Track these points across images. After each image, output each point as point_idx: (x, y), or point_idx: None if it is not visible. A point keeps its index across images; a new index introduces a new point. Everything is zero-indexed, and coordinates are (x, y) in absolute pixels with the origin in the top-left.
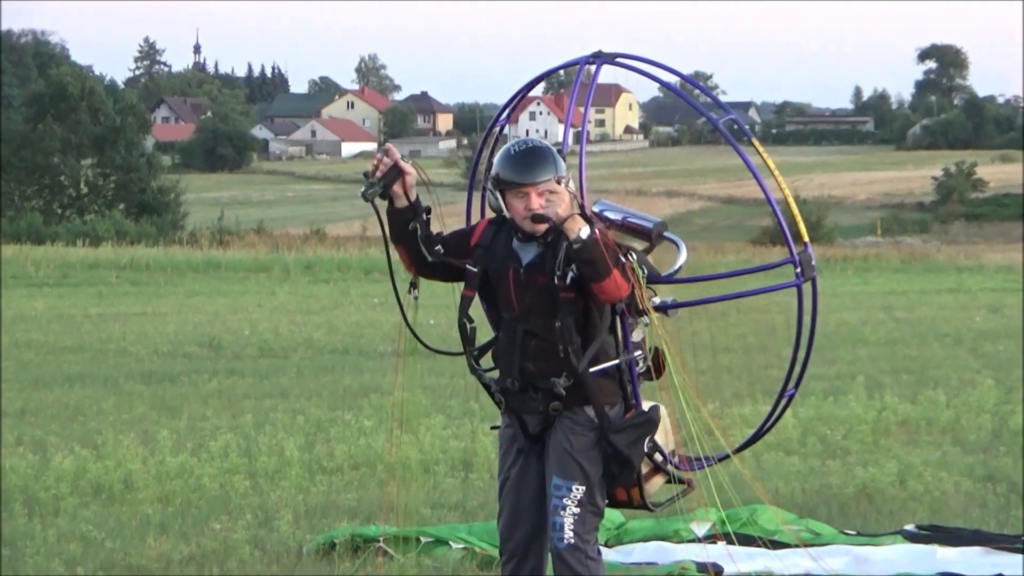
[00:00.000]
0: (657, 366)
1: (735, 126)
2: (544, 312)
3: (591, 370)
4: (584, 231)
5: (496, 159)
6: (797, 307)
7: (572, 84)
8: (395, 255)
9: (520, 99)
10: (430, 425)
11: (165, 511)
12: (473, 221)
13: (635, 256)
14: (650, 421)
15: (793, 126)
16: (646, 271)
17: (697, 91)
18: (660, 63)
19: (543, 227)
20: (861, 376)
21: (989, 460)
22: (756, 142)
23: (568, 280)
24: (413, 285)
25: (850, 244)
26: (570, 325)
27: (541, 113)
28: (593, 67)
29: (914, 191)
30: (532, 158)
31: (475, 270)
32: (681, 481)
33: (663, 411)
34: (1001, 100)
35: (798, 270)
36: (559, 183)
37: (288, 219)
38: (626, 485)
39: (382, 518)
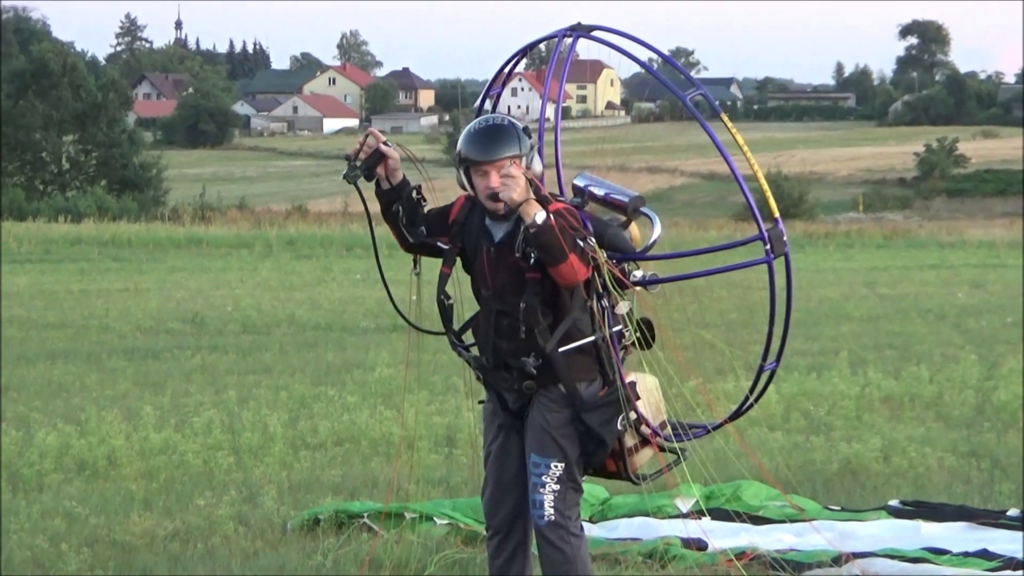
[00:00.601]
0: (646, 337)
1: (704, 102)
2: (515, 291)
3: (563, 348)
4: (539, 216)
5: (461, 136)
6: (769, 283)
7: (551, 59)
8: (385, 231)
9: (509, 73)
10: (413, 401)
11: (149, 487)
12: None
13: (594, 241)
14: (624, 399)
15: (775, 102)
16: (606, 253)
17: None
18: (636, 37)
19: (500, 205)
20: (844, 352)
21: (972, 436)
22: (725, 117)
23: (532, 261)
24: (415, 263)
25: (832, 220)
26: (535, 306)
27: (523, 89)
28: (570, 40)
29: (896, 167)
30: (493, 136)
31: (449, 248)
32: (672, 451)
33: (653, 382)
34: (982, 76)
35: (767, 247)
36: (518, 165)
37: (270, 195)
38: (601, 462)
39: (373, 494)
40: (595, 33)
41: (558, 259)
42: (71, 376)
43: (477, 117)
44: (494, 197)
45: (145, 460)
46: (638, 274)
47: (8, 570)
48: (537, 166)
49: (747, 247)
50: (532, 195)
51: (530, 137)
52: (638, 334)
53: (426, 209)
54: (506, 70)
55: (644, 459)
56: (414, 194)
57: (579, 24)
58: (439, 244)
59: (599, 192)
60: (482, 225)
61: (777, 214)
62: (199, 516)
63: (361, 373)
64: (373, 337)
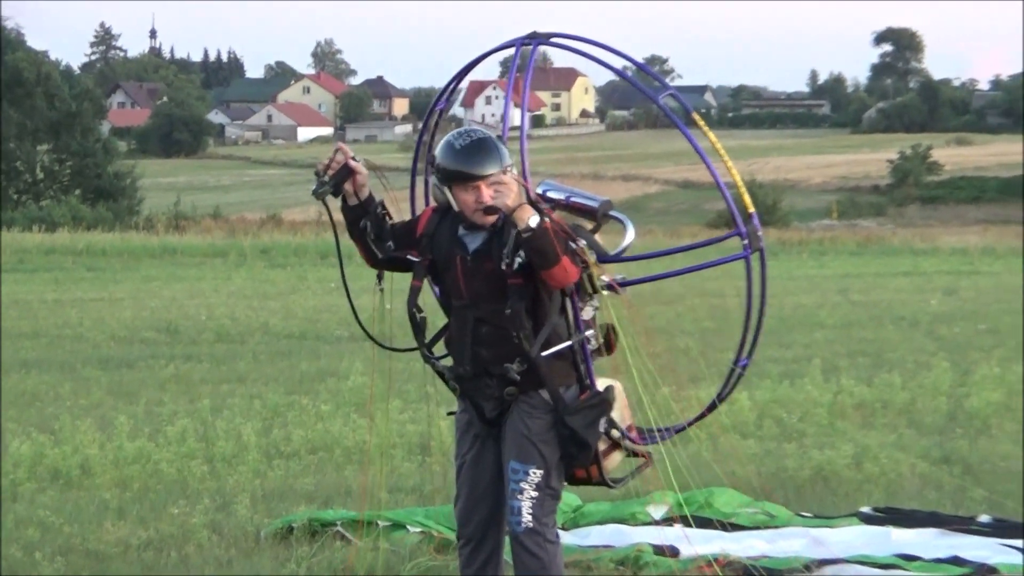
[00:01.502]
0: (608, 343)
1: (675, 103)
2: (494, 298)
3: (544, 353)
4: (534, 220)
5: (439, 151)
6: (747, 278)
7: (525, 67)
8: (352, 246)
9: (456, 84)
10: (387, 410)
11: (123, 496)
12: (418, 208)
13: (583, 241)
14: (605, 401)
15: (749, 109)
16: (594, 253)
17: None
18: (599, 42)
19: (493, 218)
20: (817, 359)
21: (944, 442)
22: (697, 116)
23: (516, 267)
24: (379, 278)
25: (806, 227)
26: (520, 311)
27: (496, 97)
28: (529, 47)
29: (870, 174)
30: (479, 151)
31: (419, 260)
32: (641, 455)
33: (618, 388)
34: (957, 83)
35: (745, 242)
36: (506, 172)
37: (244, 204)
38: (584, 465)
39: (347, 503)
40: (554, 40)
41: (552, 262)
42: (45, 385)
43: (424, 125)
44: (488, 210)
45: (119, 469)
46: (605, 279)
47: None
48: (514, 172)
49: (718, 251)
50: (524, 200)
51: (506, 145)
52: (602, 340)
53: (393, 224)
54: (457, 79)
55: (614, 463)
56: (379, 210)
57: (535, 32)
58: (408, 257)
59: (559, 197)
60: (454, 236)
61: (753, 210)
62: (173, 525)
63: (335, 382)
64: (347, 346)
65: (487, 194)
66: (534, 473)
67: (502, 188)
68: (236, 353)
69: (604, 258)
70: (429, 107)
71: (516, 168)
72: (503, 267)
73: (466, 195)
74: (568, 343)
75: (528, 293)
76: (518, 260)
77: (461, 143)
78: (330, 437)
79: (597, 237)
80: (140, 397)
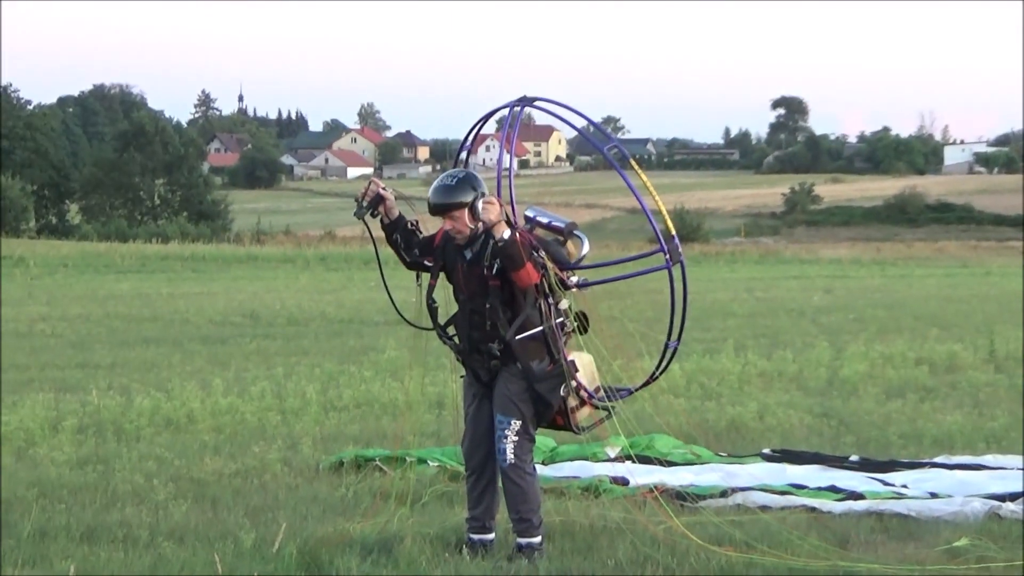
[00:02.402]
0: (583, 325)
1: (619, 153)
2: (482, 295)
3: (519, 336)
4: (506, 233)
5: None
6: (670, 283)
7: (514, 122)
8: (393, 253)
9: (476, 134)
10: (412, 375)
11: (218, 438)
12: None
13: (544, 254)
14: (563, 372)
15: (680, 156)
16: (551, 262)
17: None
18: (570, 107)
19: (461, 239)
20: (730, 340)
21: (824, 402)
22: (634, 163)
23: (494, 271)
24: (417, 276)
25: (721, 243)
26: (497, 306)
27: (493, 146)
28: (518, 108)
29: (768, 204)
30: (445, 192)
31: (432, 265)
32: (605, 410)
33: (588, 359)
34: (832, 136)
35: (667, 256)
36: (477, 200)
37: (308, 224)
38: (550, 419)
39: (383, 443)
40: (538, 103)
41: (518, 265)
42: (161, 356)
43: (454, 167)
44: (459, 233)
45: (215, 418)
46: (574, 279)
47: (113, 500)
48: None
49: (657, 260)
50: (504, 218)
51: (476, 189)
52: (576, 324)
53: (421, 237)
54: (473, 133)
55: (584, 415)
56: (409, 225)
57: (524, 96)
58: (426, 263)
59: (543, 220)
60: (457, 248)
61: (674, 232)
62: (255, 459)
63: (375, 355)
64: (383, 328)
65: (449, 224)
66: (514, 423)
67: (487, 207)
68: (302, 333)
69: (565, 265)
70: (456, 155)
71: (505, 197)
72: (485, 271)
73: (445, 221)
74: (539, 328)
75: (504, 292)
76: (496, 265)
77: (436, 184)
78: (371, 395)
79: (572, 248)
80: (231, 365)
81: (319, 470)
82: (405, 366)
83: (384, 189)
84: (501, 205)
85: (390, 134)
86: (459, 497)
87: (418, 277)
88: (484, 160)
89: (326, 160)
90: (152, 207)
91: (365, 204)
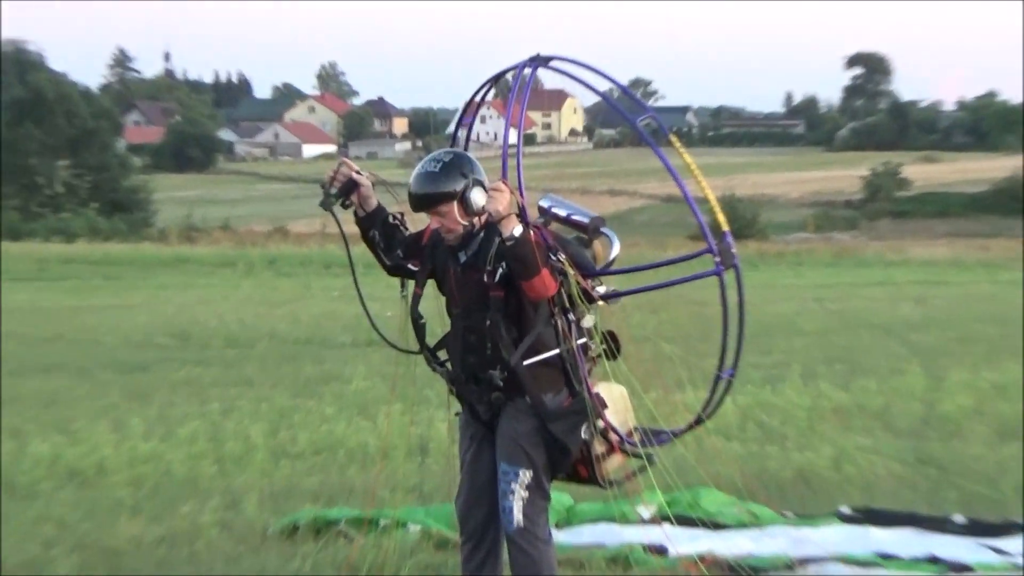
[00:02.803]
0: (612, 348)
1: (653, 125)
2: (480, 308)
3: (528, 361)
4: (517, 230)
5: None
6: (720, 294)
7: (512, 88)
8: (366, 253)
9: (480, 102)
10: (387, 412)
11: (136, 494)
12: None
13: (565, 256)
14: (588, 409)
15: (729, 129)
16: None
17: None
18: (593, 67)
19: (452, 237)
20: (796, 365)
21: (919, 445)
22: (674, 139)
23: (497, 277)
24: (402, 286)
25: (783, 240)
26: (499, 322)
27: (490, 117)
28: (529, 70)
29: (843, 190)
30: (428, 181)
31: (417, 270)
32: (639, 457)
33: (620, 392)
34: (923, 104)
35: (717, 259)
36: (469, 189)
37: (252, 217)
38: (567, 470)
39: (350, 501)
40: (554, 63)
41: (532, 272)
42: (64, 388)
43: (451, 145)
44: (448, 232)
45: (133, 468)
46: (601, 289)
47: (4, 572)
48: (479, 199)
49: (701, 263)
50: (516, 210)
51: (468, 175)
52: (604, 346)
53: (406, 234)
54: (477, 99)
55: (613, 465)
56: (391, 219)
57: (538, 55)
58: (411, 267)
59: (562, 212)
60: (449, 249)
61: (726, 228)
62: (184, 522)
63: (339, 385)
64: (350, 351)
65: (436, 223)
66: (523, 474)
67: (495, 195)
68: (244, 358)
69: (588, 271)
70: (454, 127)
71: (512, 183)
72: (485, 277)
73: (431, 218)
74: (554, 352)
75: (510, 304)
76: (500, 270)
77: (418, 171)
78: (334, 438)
79: (599, 249)
80: (153, 400)
81: (267, 536)
82: (379, 400)
83: (359, 173)
84: (512, 192)
85: (358, 102)
86: (449, 570)
87: (403, 286)
88: (478, 134)
89: (276, 135)
90: (53, 196)
91: (334, 192)
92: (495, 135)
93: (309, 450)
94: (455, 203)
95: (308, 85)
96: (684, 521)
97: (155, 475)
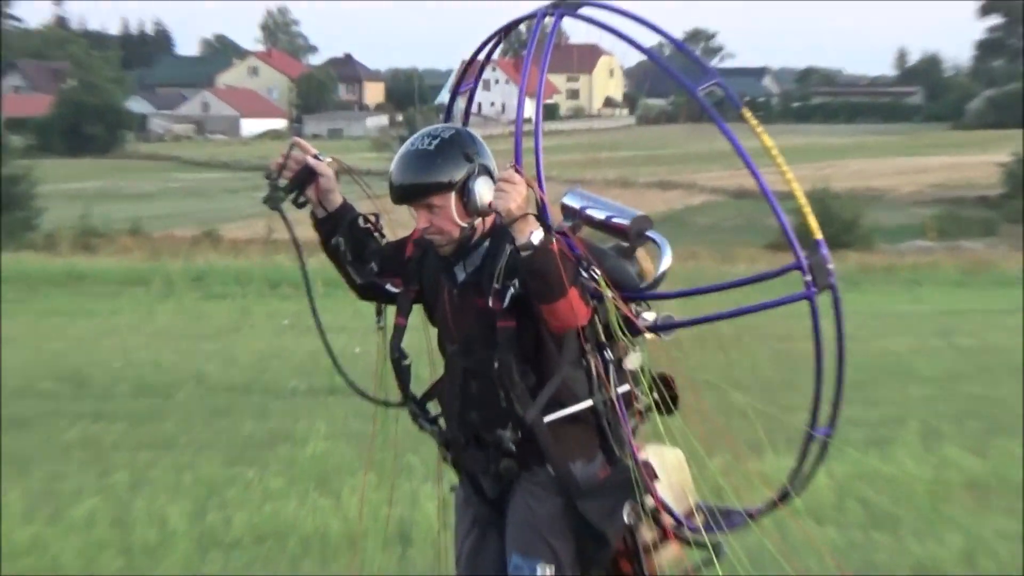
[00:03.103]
0: (668, 399)
1: (719, 93)
2: (485, 344)
3: (551, 417)
4: (536, 236)
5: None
6: (813, 326)
7: (530, 43)
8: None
9: (484, 62)
10: (356, 486)
11: None
12: None
13: (600, 272)
14: (630, 482)
15: (820, 98)
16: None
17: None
18: (638, 16)
19: (442, 242)
20: (913, 421)
21: None
22: (747, 113)
23: (508, 301)
24: (378, 313)
25: (895, 250)
26: (509, 363)
27: (497, 81)
28: (552, 20)
29: (976, 182)
30: (418, 162)
31: (399, 291)
32: (703, 547)
33: (676, 458)
34: None
35: (808, 278)
36: (471, 179)
37: (173, 217)
38: (604, 564)
39: None
40: (584, 10)
41: (556, 294)
42: None
43: (445, 120)
44: (440, 235)
45: (9, 563)
46: (648, 316)
47: None
48: (485, 193)
49: (785, 283)
50: (533, 210)
51: (474, 159)
52: (654, 395)
53: (383, 242)
54: (480, 57)
55: (668, 558)
56: (360, 221)
57: (561, 1)
58: (390, 287)
59: (597, 213)
60: (442, 262)
61: (819, 235)
62: None
63: (288, 449)
64: (304, 401)
65: (425, 221)
66: (543, 570)
67: (506, 187)
68: (161, 410)
69: (632, 292)
70: (450, 96)
71: (529, 172)
72: (490, 301)
73: (417, 215)
74: (587, 403)
75: (526, 338)
76: (511, 291)
77: (403, 152)
78: (282, 522)
79: (644, 262)
80: (36, 468)
81: None
82: (345, 469)
83: (317, 158)
84: (529, 185)
85: (317, 61)
86: None
87: (379, 313)
88: (480, 105)
89: (205, 106)
90: None
91: (284, 184)
92: (503, 106)
93: (248, 537)
94: (453, 195)
95: (249, 38)
96: None
97: (38, 571)
